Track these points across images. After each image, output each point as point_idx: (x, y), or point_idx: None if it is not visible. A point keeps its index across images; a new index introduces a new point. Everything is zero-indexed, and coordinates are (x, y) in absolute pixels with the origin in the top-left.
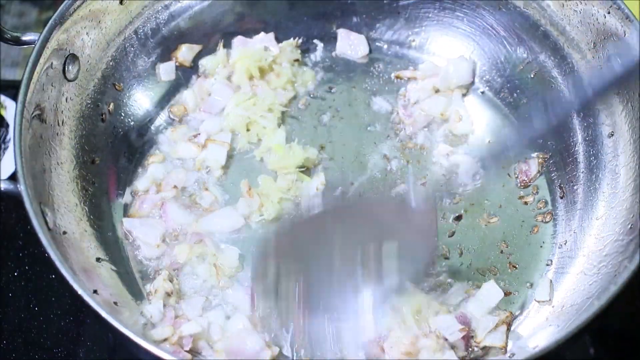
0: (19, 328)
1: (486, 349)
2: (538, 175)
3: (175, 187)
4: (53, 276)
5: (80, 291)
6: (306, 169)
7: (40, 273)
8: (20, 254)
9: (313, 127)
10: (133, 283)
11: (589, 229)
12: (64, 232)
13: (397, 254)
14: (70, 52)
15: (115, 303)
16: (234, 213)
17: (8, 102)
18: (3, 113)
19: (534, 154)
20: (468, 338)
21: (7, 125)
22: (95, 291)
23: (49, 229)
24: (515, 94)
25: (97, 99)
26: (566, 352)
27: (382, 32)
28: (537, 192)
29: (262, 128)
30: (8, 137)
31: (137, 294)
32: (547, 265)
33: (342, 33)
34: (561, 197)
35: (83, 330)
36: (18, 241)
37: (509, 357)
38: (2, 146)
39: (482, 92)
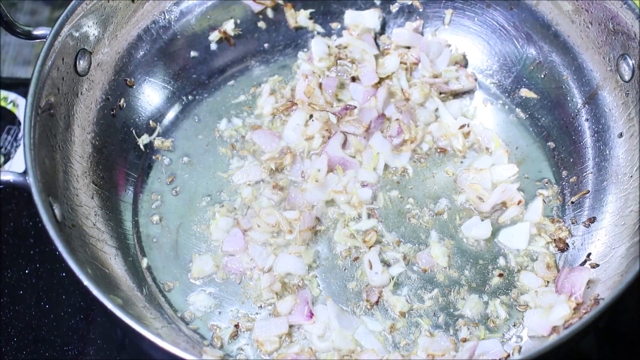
0: (30, 325)
1: None
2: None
3: None
4: (63, 274)
5: (86, 282)
6: None
7: (51, 271)
8: (31, 252)
9: None
10: (140, 275)
11: (596, 231)
12: (73, 225)
13: None
14: (82, 47)
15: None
16: None
17: (20, 100)
18: (15, 111)
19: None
20: None
21: (19, 123)
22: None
23: (57, 221)
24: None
25: (108, 94)
26: (570, 352)
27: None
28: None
29: None
30: (20, 135)
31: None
32: None
33: None
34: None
35: (93, 329)
36: (29, 239)
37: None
38: (15, 144)
39: (493, 92)
